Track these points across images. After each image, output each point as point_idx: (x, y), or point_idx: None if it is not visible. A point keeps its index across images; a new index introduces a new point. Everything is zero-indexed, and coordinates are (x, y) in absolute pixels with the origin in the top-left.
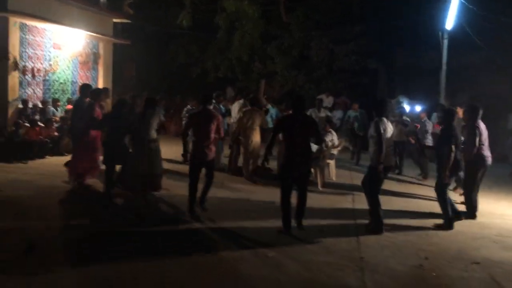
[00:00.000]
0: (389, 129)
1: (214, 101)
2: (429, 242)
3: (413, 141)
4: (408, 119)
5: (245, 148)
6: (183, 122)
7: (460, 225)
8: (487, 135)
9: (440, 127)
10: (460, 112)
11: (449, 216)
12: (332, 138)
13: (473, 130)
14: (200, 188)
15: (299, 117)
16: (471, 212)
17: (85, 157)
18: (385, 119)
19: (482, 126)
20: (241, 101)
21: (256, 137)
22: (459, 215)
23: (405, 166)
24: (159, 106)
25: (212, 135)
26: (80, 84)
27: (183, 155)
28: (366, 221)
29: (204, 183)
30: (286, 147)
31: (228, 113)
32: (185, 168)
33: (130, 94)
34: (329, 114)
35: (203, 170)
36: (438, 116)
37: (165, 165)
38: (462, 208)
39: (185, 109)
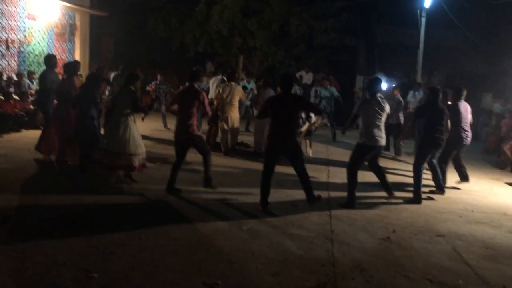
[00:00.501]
0: (381, 108)
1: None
2: (397, 217)
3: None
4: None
5: (225, 123)
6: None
7: (428, 200)
8: (467, 115)
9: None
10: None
11: (418, 192)
12: (310, 114)
13: (452, 110)
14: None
15: (287, 97)
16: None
17: (58, 133)
18: (374, 98)
19: (462, 107)
20: (219, 76)
21: (235, 113)
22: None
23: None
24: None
25: (195, 113)
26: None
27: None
28: (340, 195)
29: (203, 161)
30: (272, 126)
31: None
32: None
33: (95, 66)
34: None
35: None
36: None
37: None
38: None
39: (154, 82)
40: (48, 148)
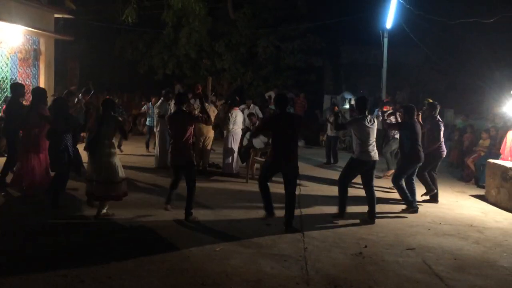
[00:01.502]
0: (370, 126)
1: (162, 98)
2: (369, 232)
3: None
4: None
5: (198, 143)
6: (142, 119)
7: (398, 215)
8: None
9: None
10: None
11: (408, 200)
12: None
13: (437, 126)
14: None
15: (285, 116)
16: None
17: (35, 163)
18: (365, 117)
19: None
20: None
21: (210, 133)
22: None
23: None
24: (117, 107)
25: (189, 137)
26: (20, 81)
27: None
28: (311, 211)
29: (187, 191)
30: (274, 145)
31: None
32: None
33: (65, 91)
34: (254, 111)
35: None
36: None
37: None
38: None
39: (143, 107)
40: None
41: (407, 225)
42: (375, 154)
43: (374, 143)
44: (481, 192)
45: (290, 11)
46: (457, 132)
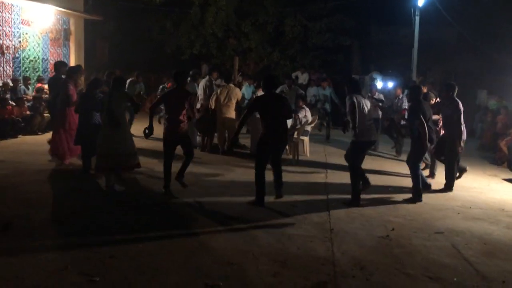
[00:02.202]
0: (365, 105)
1: (190, 79)
2: (396, 214)
3: (386, 123)
4: (381, 95)
5: (221, 124)
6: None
7: (427, 197)
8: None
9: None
10: (424, 89)
11: (419, 190)
12: (306, 114)
13: (458, 107)
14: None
15: (271, 96)
16: (451, 184)
17: (65, 137)
18: (357, 96)
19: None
20: (206, 78)
21: (232, 114)
22: (429, 187)
23: (381, 142)
24: (139, 83)
25: (184, 113)
26: (51, 61)
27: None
28: (338, 196)
29: (184, 160)
30: (264, 125)
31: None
32: (157, 145)
33: (106, 72)
34: (300, 90)
35: (179, 149)
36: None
37: (140, 143)
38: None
39: (161, 86)
40: (54, 150)
41: (436, 209)
42: (371, 134)
43: (372, 122)
44: None
45: None
46: (490, 113)
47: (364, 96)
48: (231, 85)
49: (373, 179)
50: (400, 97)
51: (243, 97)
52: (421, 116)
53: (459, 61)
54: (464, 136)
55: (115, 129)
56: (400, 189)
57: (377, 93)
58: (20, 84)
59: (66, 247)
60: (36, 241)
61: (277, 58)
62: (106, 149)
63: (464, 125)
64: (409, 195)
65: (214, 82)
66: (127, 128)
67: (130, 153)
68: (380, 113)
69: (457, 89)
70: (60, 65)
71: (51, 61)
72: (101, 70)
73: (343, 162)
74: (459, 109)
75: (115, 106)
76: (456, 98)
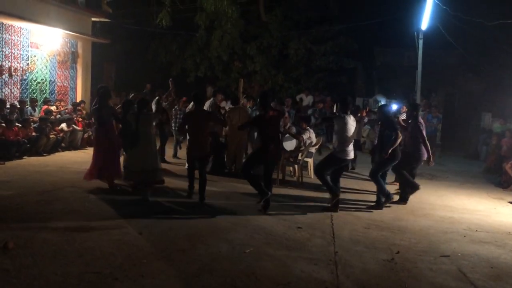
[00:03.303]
0: (351, 125)
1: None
2: (401, 237)
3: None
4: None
5: (232, 146)
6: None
7: (432, 220)
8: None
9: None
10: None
11: (386, 193)
12: (310, 136)
13: (418, 127)
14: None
15: (267, 114)
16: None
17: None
18: (346, 116)
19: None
20: (211, 100)
21: (244, 135)
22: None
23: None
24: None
25: (207, 133)
26: (58, 83)
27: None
28: (343, 219)
29: (201, 180)
30: (261, 141)
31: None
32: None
33: (132, 94)
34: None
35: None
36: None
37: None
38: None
39: (155, 100)
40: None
41: (442, 232)
42: (351, 153)
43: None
44: None
45: (322, 12)
46: (495, 136)
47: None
48: (241, 106)
49: (373, 198)
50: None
51: None
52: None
53: (462, 83)
54: (425, 156)
55: (143, 147)
56: (406, 212)
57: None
58: (27, 106)
59: (64, 268)
60: (35, 262)
61: (282, 80)
62: (131, 165)
63: (427, 144)
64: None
65: (219, 104)
66: (153, 145)
67: (156, 168)
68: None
69: (420, 108)
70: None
71: (58, 83)
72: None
73: (347, 184)
74: (421, 128)
75: (142, 125)
76: (420, 118)
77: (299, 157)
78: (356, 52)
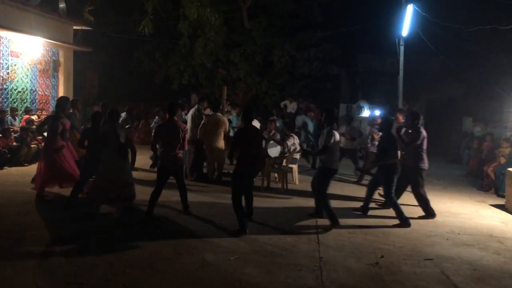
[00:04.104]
0: (338, 136)
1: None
2: (385, 241)
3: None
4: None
5: (210, 153)
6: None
7: (416, 224)
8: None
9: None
10: (400, 117)
11: (402, 216)
12: (294, 142)
13: (418, 136)
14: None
15: (248, 128)
16: (431, 210)
17: (51, 166)
18: (333, 128)
19: (424, 131)
20: (196, 107)
21: (220, 143)
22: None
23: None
24: (131, 115)
25: (180, 145)
26: (39, 92)
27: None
28: (327, 223)
29: (181, 191)
30: (240, 157)
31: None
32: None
33: (100, 103)
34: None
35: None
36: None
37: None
38: (419, 210)
39: (154, 120)
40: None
41: (425, 235)
42: (338, 163)
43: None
44: (501, 201)
45: (306, 19)
46: (476, 140)
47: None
48: (218, 114)
49: (358, 204)
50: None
51: (230, 125)
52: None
53: (443, 88)
54: (426, 165)
55: (122, 160)
56: (390, 216)
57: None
58: (7, 115)
59: (48, 279)
60: (21, 272)
61: (266, 87)
62: (105, 181)
63: (425, 153)
64: (397, 221)
65: (203, 111)
66: (126, 160)
67: (127, 183)
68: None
69: (422, 118)
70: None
71: (39, 92)
72: (91, 101)
73: (332, 190)
74: (422, 138)
75: (120, 137)
76: (421, 127)
77: (283, 163)
78: (340, 58)
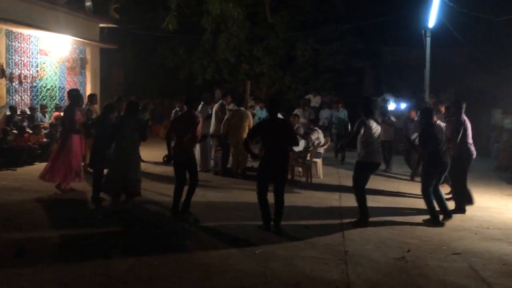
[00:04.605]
0: (375, 127)
1: (202, 103)
2: (412, 236)
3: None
4: (393, 117)
5: (234, 148)
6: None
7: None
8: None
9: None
10: (442, 109)
11: (434, 214)
12: (318, 136)
13: (459, 125)
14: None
15: (274, 120)
16: (462, 205)
17: (63, 161)
18: (369, 120)
19: (467, 121)
20: (220, 102)
21: (244, 137)
22: (449, 215)
23: (395, 163)
24: (146, 111)
25: (193, 137)
26: (68, 89)
27: (164, 156)
28: (352, 219)
29: (188, 188)
30: (264, 150)
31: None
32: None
33: (116, 97)
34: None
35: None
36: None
37: (156, 168)
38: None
39: (174, 110)
40: (51, 177)
41: (453, 229)
42: (378, 157)
43: (379, 145)
44: None
45: (328, 12)
46: (506, 133)
47: (377, 117)
48: (242, 108)
49: (388, 201)
50: (416, 119)
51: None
52: (432, 139)
53: (471, 80)
54: (474, 154)
55: (129, 155)
56: (417, 211)
57: (387, 116)
58: (37, 112)
59: (77, 267)
60: (47, 262)
61: (289, 81)
62: (113, 175)
63: (472, 144)
64: (427, 216)
65: (227, 106)
66: (135, 155)
67: (134, 179)
68: (393, 135)
69: (464, 106)
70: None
71: (68, 90)
72: (113, 97)
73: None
74: (466, 127)
75: (128, 131)
76: (464, 116)
77: (308, 158)
78: (363, 51)
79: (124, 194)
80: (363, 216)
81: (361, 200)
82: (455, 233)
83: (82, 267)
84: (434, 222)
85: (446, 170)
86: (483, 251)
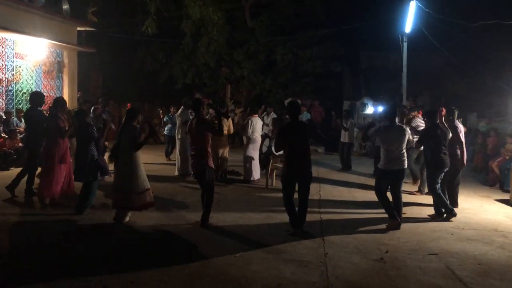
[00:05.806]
0: (391, 135)
1: (182, 107)
2: (390, 237)
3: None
4: (349, 122)
5: (214, 153)
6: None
7: (420, 219)
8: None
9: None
10: (415, 114)
11: (447, 207)
12: None
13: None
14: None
15: (296, 123)
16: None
17: (62, 172)
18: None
19: (460, 126)
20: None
21: (224, 142)
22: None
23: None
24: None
25: (207, 144)
26: (45, 93)
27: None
28: (333, 221)
29: (206, 198)
30: (288, 153)
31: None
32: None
33: (101, 99)
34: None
35: None
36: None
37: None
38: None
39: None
40: (52, 192)
41: (430, 230)
42: (402, 162)
43: (403, 152)
44: (506, 196)
45: (308, 18)
46: (481, 136)
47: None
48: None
49: (364, 198)
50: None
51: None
52: (432, 140)
53: (447, 84)
54: (464, 157)
55: (120, 164)
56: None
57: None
58: (13, 117)
59: (57, 278)
60: (28, 278)
61: (269, 85)
62: (117, 185)
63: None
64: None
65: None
66: (136, 164)
67: (139, 191)
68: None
69: (456, 112)
70: (35, 97)
71: (44, 94)
72: (93, 101)
73: (335, 180)
74: (459, 132)
75: (124, 138)
76: (457, 122)
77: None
78: (343, 56)
79: (131, 208)
80: (392, 215)
81: (384, 202)
82: (432, 234)
83: (74, 276)
84: (450, 213)
85: (446, 169)
86: (459, 252)
